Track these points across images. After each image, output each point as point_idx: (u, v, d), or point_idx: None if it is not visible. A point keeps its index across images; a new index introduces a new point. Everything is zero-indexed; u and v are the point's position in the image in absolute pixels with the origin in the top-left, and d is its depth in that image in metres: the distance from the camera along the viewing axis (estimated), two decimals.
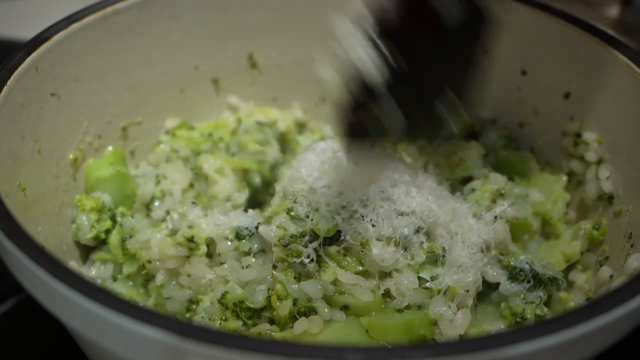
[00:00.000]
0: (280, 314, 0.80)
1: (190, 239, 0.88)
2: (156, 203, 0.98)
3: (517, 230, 0.93)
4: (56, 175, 0.91)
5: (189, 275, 0.87)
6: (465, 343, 0.52)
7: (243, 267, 0.86)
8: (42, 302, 0.60)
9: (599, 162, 0.93)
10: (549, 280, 0.84)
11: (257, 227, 0.87)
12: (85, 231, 0.92)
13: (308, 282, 0.81)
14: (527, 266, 0.85)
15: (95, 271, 0.93)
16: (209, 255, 0.90)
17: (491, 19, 0.81)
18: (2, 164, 0.76)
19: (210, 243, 0.90)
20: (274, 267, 0.83)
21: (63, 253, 0.89)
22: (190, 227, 0.90)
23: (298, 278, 0.82)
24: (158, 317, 0.53)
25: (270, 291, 0.83)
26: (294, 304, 0.80)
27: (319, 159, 0.90)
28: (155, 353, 0.53)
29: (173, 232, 0.91)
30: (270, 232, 0.84)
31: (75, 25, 0.93)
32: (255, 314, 0.83)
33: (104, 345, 0.56)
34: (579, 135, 0.97)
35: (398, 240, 0.82)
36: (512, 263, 0.86)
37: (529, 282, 0.84)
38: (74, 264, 0.90)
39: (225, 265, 0.87)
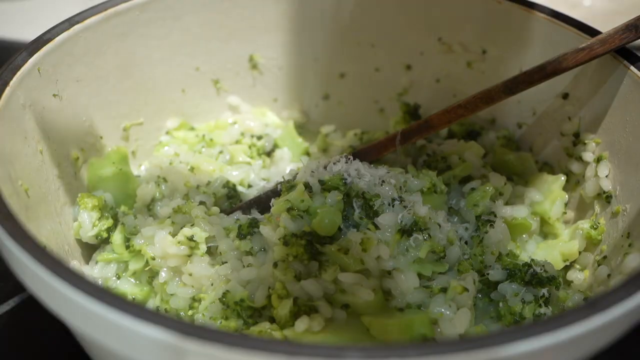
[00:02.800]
0: (280, 312, 0.80)
1: (191, 238, 0.89)
2: (159, 202, 0.99)
3: (516, 229, 0.93)
4: (58, 176, 0.92)
5: (190, 274, 0.87)
6: (465, 342, 0.52)
7: (244, 266, 0.87)
8: (44, 302, 0.61)
9: (598, 160, 0.94)
10: (547, 280, 0.85)
11: (257, 226, 0.88)
12: (87, 229, 0.93)
13: (309, 281, 0.81)
14: (525, 266, 0.86)
15: (97, 270, 0.94)
16: (211, 253, 0.90)
17: None
18: (4, 164, 0.77)
19: (212, 242, 0.90)
20: (275, 266, 0.83)
21: (65, 253, 0.90)
22: (192, 225, 0.91)
23: (298, 277, 0.82)
24: (159, 316, 0.53)
25: (270, 290, 0.83)
26: (295, 302, 0.80)
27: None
28: (157, 352, 0.53)
29: (177, 230, 0.91)
30: (270, 232, 0.84)
31: (77, 27, 0.93)
32: (256, 312, 0.83)
33: (106, 345, 0.57)
34: (577, 135, 0.98)
35: (400, 234, 0.82)
36: (511, 262, 0.86)
37: (527, 281, 0.85)
38: (76, 263, 0.91)
39: (227, 265, 0.87)
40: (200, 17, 1.07)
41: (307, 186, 0.87)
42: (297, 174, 0.92)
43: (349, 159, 0.91)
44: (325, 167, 0.90)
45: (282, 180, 0.93)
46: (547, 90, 1.00)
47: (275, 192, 0.94)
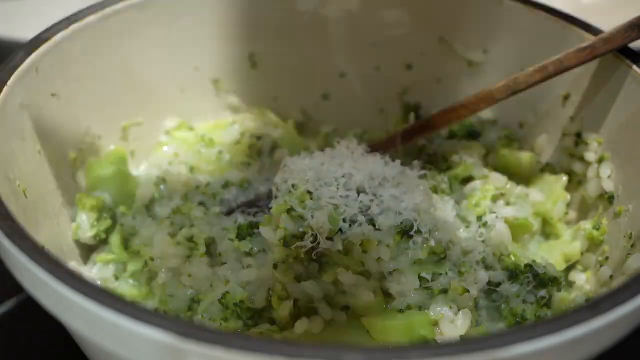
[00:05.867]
0: (280, 314, 0.80)
1: (190, 239, 0.88)
2: (157, 203, 0.99)
3: (518, 230, 0.93)
4: (56, 176, 0.91)
5: (189, 275, 0.87)
6: (465, 343, 0.52)
7: (244, 267, 0.86)
8: (43, 303, 0.60)
9: (600, 160, 0.93)
10: (549, 281, 0.84)
11: (257, 227, 0.87)
12: (85, 230, 0.93)
13: (309, 282, 0.81)
14: (527, 267, 0.85)
15: (96, 271, 0.93)
16: (210, 254, 0.90)
17: None
18: (2, 164, 0.76)
19: (211, 243, 0.90)
20: (275, 267, 0.83)
21: (63, 253, 0.89)
22: (191, 226, 0.90)
23: (298, 278, 0.82)
24: (158, 317, 0.53)
25: (270, 291, 0.83)
26: (295, 304, 0.80)
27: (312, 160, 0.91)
28: (156, 353, 0.53)
29: (176, 231, 0.91)
30: (270, 232, 0.84)
31: (75, 26, 0.93)
32: (255, 314, 0.83)
33: (104, 346, 0.56)
34: (579, 135, 0.97)
35: (400, 234, 0.82)
36: (512, 263, 0.86)
37: (529, 282, 0.84)
38: (74, 264, 0.90)
39: (226, 265, 0.87)
40: (199, 16, 1.07)
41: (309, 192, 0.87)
42: (289, 167, 0.91)
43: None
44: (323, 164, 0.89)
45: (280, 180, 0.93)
46: (548, 89, 0.99)
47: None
